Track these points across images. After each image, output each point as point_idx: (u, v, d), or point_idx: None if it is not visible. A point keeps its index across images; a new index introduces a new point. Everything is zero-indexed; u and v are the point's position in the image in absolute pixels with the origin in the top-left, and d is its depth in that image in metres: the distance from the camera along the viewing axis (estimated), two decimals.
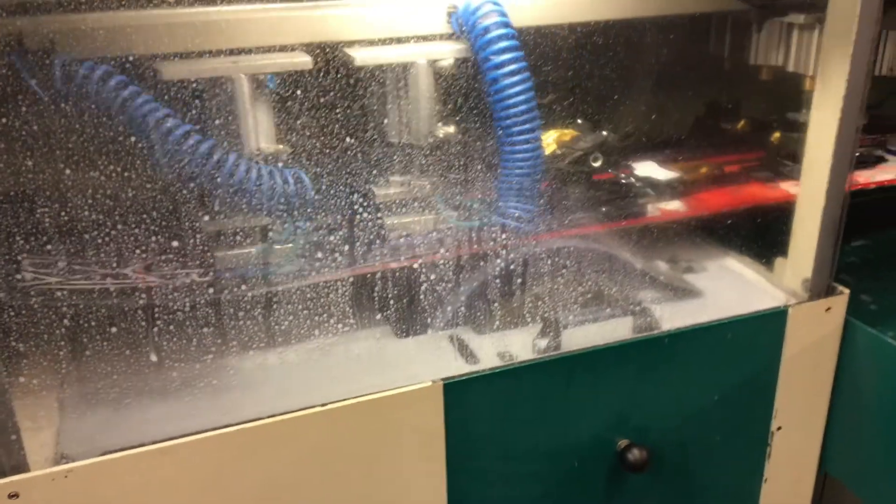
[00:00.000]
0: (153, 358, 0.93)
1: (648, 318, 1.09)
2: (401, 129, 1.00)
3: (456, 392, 0.94)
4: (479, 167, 1.04)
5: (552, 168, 1.11)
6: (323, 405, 0.89)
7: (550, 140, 1.12)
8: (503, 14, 0.96)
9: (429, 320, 1.06)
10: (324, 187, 0.97)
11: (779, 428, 1.15)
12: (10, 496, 0.79)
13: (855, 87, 1.01)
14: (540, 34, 1.02)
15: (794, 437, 1.17)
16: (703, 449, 1.13)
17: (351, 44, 0.94)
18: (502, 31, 0.95)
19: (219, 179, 0.89)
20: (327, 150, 0.96)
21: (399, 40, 0.96)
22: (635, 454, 1.03)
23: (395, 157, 1.01)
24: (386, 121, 1.00)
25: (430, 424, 0.95)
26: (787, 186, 1.24)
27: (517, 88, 0.97)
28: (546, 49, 1.03)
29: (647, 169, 1.21)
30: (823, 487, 1.29)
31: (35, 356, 0.88)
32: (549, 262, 1.10)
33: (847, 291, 1.11)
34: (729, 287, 1.20)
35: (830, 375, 1.15)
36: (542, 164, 1.03)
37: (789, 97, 1.21)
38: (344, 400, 0.90)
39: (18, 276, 0.84)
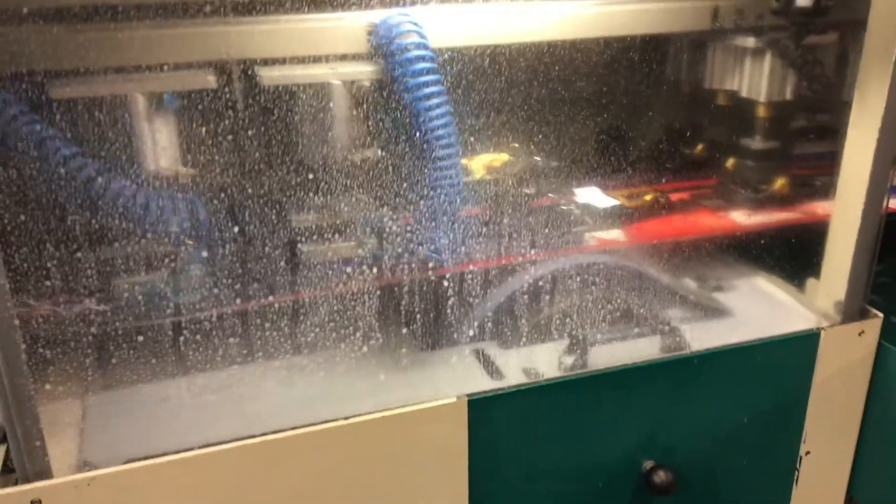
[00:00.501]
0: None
1: (677, 337, 1.07)
2: (316, 151, 0.94)
3: (480, 408, 0.93)
4: (400, 193, 0.99)
5: (479, 194, 1.05)
6: (346, 419, 0.88)
7: (480, 166, 1.07)
8: (422, 35, 0.91)
9: (454, 335, 1.05)
10: (230, 212, 0.92)
11: (807, 453, 1.13)
12: (33, 502, 0.79)
13: (894, 107, 0.99)
14: (473, 55, 0.97)
15: (822, 462, 1.15)
16: (730, 473, 1.11)
17: (267, 62, 0.89)
18: (420, 52, 0.91)
19: (103, 205, 0.84)
20: (237, 173, 0.91)
21: (317, 59, 0.91)
22: (661, 476, 1.01)
23: (309, 181, 0.95)
24: (300, 143, 0.94)
25: (453, 441, 0.94)
26: (736, 216, 1.22)
27: (434, 112, 0.93)
28: (480, 71, 0.98)
29: (589, 195, 1.16)
30: None
31: (60, 363, 0.88)
32: (577, 278, 1.08)
33: (881, 315, 1.09)
34: (759, 307, 1.18)
35: (862, 400, 1.13)
36: (460, 191, 0.98)
37: (747, 123, 1.18)
38: (367, 414, 0.89)
39: (48, 283, 0.84)
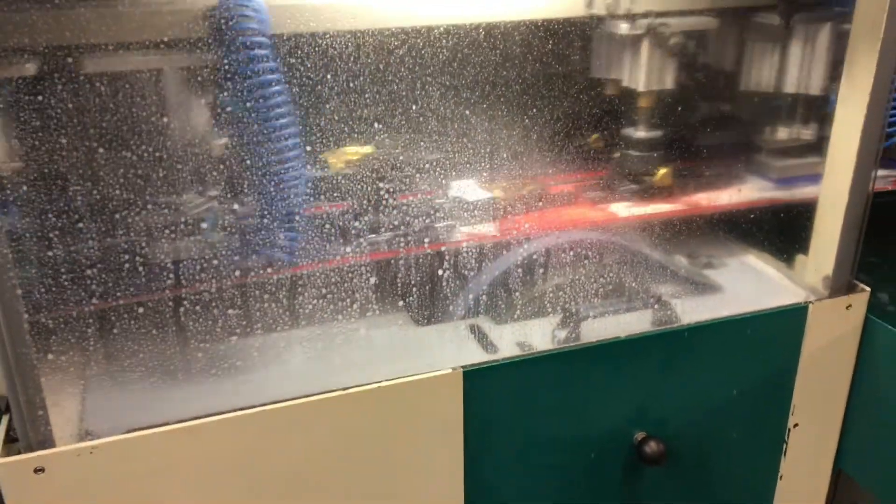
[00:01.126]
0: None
1: (668, 311, 1.09)
2: (149, 143, 0.88)
3: (475, 380, 0.95)
4: (239, 187, 0.93)
5: (335, 189, 0.99)
6: (344, 389, 0.90)
7: (339, 159, 1.00)
8: (261, 20, 0.86)
9: (450, 308, 1.07)
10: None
11: (795, 425, 1.15)
12: (36, 470, 0.80)
13: (882, 84, 1.01)
14: (329, 41, 0.92)
15: (810, 434, 1.17)
16: (720, 444, 1.13)
17: (93, 48, 0.83)
18: (256, 38, 0.86)
19: None
20: (60, 168, 0.85)
21: (148, 45, 0.85)
22: (652, 447, 1.03)
23: (148, 175, 0.89)
24: (129, 134, 0.87)
25: (449, 411, 0.95)
26: (618, 208, 1.16)
27: (271, 101, 0.87)
28: (338, 58, 0.93)
29: (461, 188, 1.08)
30: (837, 484, 1.29)
31: (63, 333, 0.89)
32: (570, 253, 1.10)
33: (868, 290, 1.11)
34: (749, 283, 1.20)
35: (849, 373, 1.15)
36: (303, 187, 0.93)
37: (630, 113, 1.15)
38: (365, 384, 0.91)
39: (50, 254, 0.85)
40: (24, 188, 0.85)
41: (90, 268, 0.89)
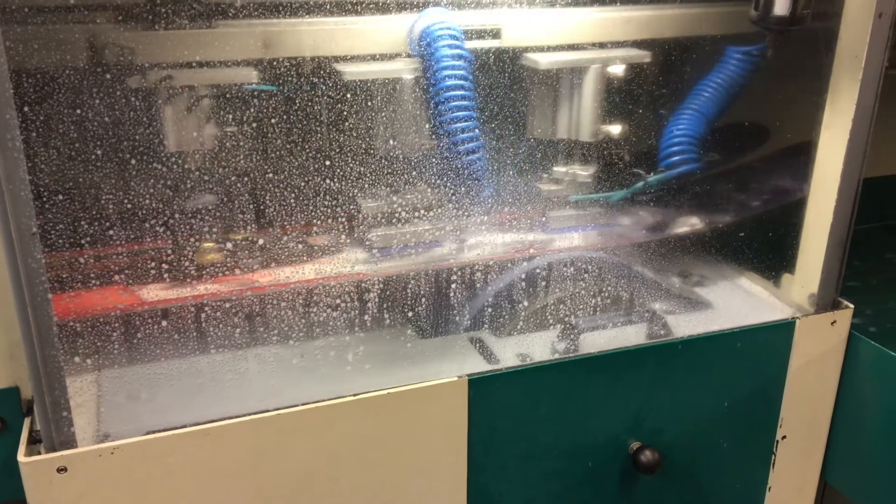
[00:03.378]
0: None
1: (662, 325, 1.13)
2: None
3: (480, 387, 0.99)
4: None
5: None
6: (354, 395, 0.94)
7: None
8: None
9: (457, 320, 1.11)
10: None
11: (784, 437, 1.20)
12: (59, 470, 0.83)
13: (863, 111, 1.07)
14: None
15: (798, 446, 1.22)
16: (712, 454, 1.17)
17: None
18: None
19: None
20: None
21: None
22: (647, 455, 1.07)
23: None
24: None
25: (453, 418, 0.99)
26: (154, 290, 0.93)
27: None
28: None
29: None
30: (823, 496, 1.33)
31: (88, 337, 0.92)
32: (569, 272, 1.15)
33: (851, 306, 1.16)
34: (738, 300, 1.25)
35: (834, 387, 1.20)
36: None
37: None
38: (374, 391, 0.94)
39: (81, 260, 0.89)
40: None
41: None
